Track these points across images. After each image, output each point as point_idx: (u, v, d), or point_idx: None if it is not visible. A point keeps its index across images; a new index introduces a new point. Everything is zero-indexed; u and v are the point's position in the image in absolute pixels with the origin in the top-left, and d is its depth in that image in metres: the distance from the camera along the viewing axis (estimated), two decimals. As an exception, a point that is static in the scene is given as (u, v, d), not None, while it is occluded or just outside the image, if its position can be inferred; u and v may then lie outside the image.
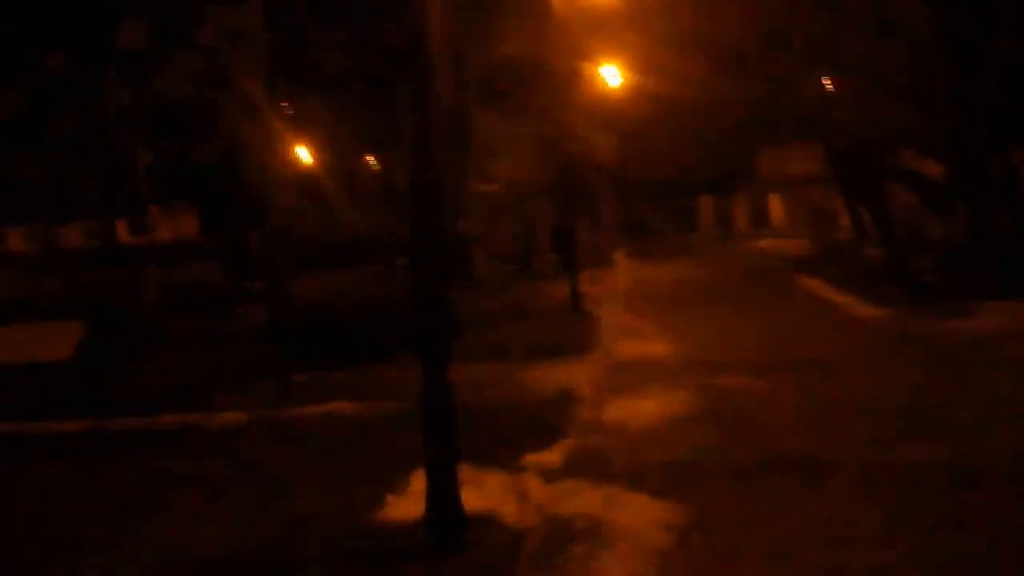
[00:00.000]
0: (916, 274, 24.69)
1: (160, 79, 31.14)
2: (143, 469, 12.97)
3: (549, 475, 10.59)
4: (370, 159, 43.84)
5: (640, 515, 9.16)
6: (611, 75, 39.34)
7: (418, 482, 9.43)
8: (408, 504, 9.75)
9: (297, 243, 40.55)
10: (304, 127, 39.69)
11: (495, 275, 38.02)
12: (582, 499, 9.69)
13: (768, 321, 21.96)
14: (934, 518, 8.69)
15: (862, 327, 20.29)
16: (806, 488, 9.69)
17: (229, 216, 45.43)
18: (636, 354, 18.77)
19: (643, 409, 13.54)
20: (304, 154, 44.07)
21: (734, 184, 54.21)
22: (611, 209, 50.99)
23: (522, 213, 41.83)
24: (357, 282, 30.69)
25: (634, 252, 45.15)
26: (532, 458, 11.34)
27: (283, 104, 33.06)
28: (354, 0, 28.85)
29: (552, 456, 11.42)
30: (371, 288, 27.37)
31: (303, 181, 44.72)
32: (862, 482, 9.72)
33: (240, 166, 27.33)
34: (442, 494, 8.80)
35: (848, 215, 37.04)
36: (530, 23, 32.27)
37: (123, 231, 59.72)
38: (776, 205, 52.77)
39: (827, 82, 38.18)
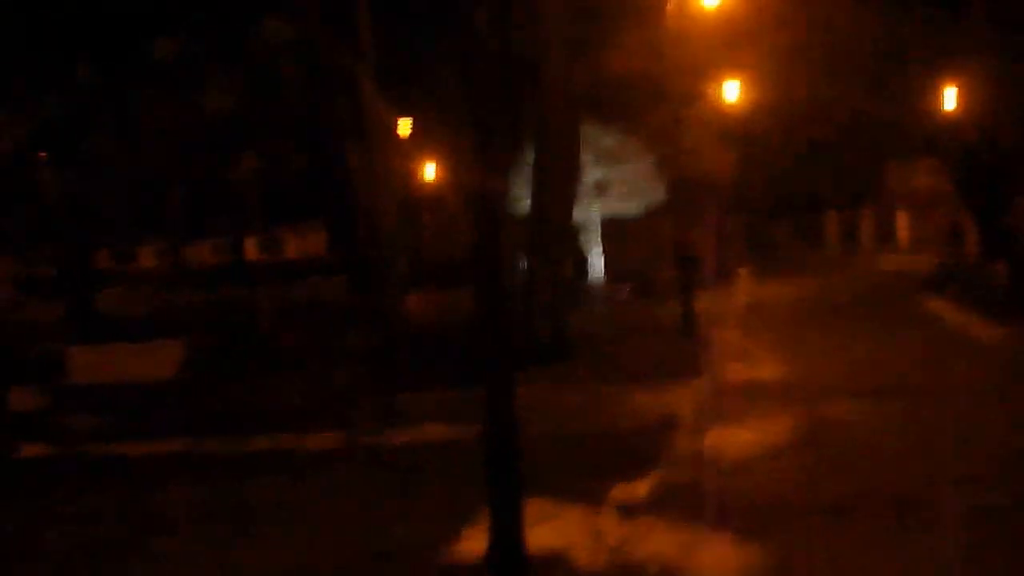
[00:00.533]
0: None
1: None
2: (224, 494, 12.69)
3: (631, 511, 10.05)
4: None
5: (720, 559, 8.58)
6: (730, 89, 38.77)
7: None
8: (481, 540, 9.29)
9: (421, 260, 40.69)
10: (427, 144, 39.75)
11: (614, 294, 37.47)
12: (661, 540, 9.14)
13: (884, 343, 21.14)
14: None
15: (983, 351, 19.36)
16: (902, 531, 8.99)
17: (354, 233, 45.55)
18: (743, 378, 18.10)
19: (741, 439, 12.90)
20: (428, 171, 44.15)
21: (861, 200, 52.87)
22: (735, 226, 50.01)
23: (644, 232, 41.15)
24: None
25: (757, 270, 44.16)
26: (617, 492, 10.81)
27: (402, 119, 33.02)
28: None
29: (638, 489, 10.87)
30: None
31: (426, 199, 44.81)
32: (964, 525, 8.99)
33: (356, 182, 27.21)
34: (504, 534, 8.29)
35: (977, 232, 35.77)
36: (645, 36, 31.61)
37: (253, 249, 60.50)
38: (903, 221, 51.28)
39: (949, 92, 37.06)
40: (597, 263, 40.23)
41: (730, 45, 36.57)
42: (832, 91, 38.58)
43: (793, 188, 49.72)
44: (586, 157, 39.05)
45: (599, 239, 40.43)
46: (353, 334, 25.37)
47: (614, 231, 40.95)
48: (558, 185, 23.61)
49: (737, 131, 41.43)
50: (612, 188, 40.09)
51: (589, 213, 39.82)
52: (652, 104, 38.00)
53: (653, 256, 41.31)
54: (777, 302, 31.61)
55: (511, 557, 8.28)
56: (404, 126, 36.20)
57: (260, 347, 24.65)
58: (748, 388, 17.09)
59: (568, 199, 24.21)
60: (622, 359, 21.84)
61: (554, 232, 23.58)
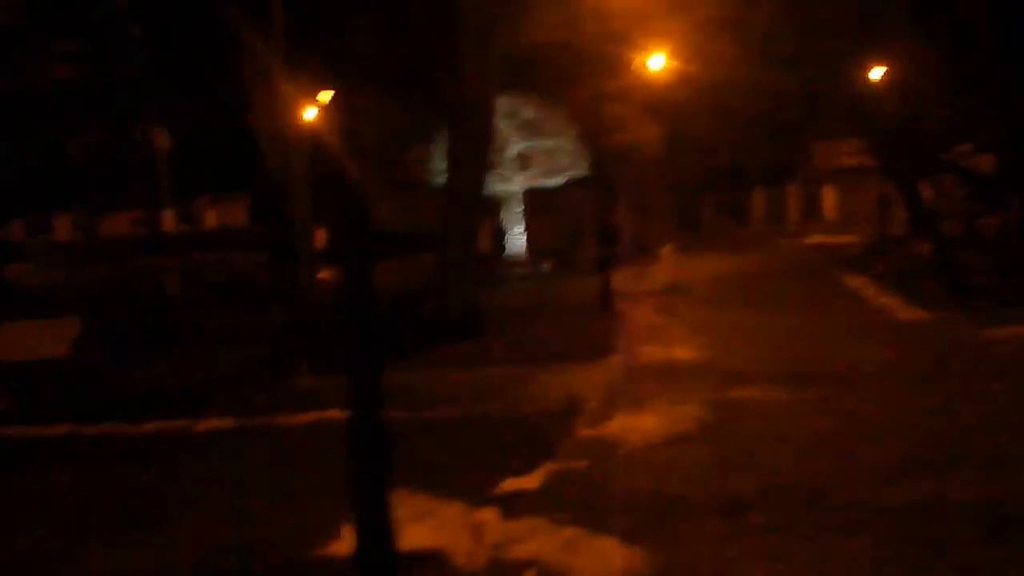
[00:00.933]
0: (966, 274, 23.13)
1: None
2: (91, 484, 11.82)
3: (516, 507, 9.27)
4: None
5: (603, 561, 7.85)
6: (654, 62, 38.09)
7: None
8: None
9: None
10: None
11: (535, 269, 36.76)
12: (544, 539, 8.36)
13: (804, 324, 20.54)
14: (950, 568, 7.32)
15: (904, 332, 18.81)
16: (803, 530, 8.29)
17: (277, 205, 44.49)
18: (657, 359, 17.39)
19: (645, 426, 12.15)
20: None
21: (787, 176, 52.53)
22: (660, 202, 49.45)
23: (567, 206, 40.45)
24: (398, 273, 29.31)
25: (683, 247, 43.61)
26: (506, 485, 10.06)
27: (324, 91, 31.89)
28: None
29: (528, 483, 10.12)
30: (412, 280, 26.13)
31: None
32: (874, 523, 8.31)
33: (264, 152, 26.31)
34: (372, 532, 7.47)
35: (904, 209, 35.44)
36: (566, 4, 30.80)
37: (171, 221, 58.84)
38: (830, 198, 51.05)
39: (874, 71, 36.69)
40: (518, 238, 39.45)
41: (654, 16, 35.87)
42: (758, 66, 38.09)
43: (720, 164, 49.13)
44: (507, 129, 38.52)
45: (521, 213, 39.64)
46: (270, 310, 24.51)
47: (536, 205, 40.22)
48: (469, 158, 22.77)
49: (663, 105, 40.77)
50: (534, 161, 39.38)
51: (510, 186, 39.08)
52: (575, 76, 37.35)
53: (576, 231, 40.68)
54: (699, 279, 31.00)
55: (380, 557, 7.47)
56: (324, 96, 35.04)
57: (163, 323, 23.71)
58: (659, 369, 16.39)
59: (479, 172, 23.37)
60: (534, 337, 21.16)
61: (465, 206, 22.76)
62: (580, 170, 39.06)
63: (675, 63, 38.92)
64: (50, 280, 37.23)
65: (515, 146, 38.42)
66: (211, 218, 62.04)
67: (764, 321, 21.37)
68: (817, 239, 42.59)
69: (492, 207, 40.25)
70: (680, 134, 44.00)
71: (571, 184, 38.97)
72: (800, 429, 11.63)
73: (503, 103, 38.09)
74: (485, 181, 24.14)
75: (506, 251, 39.39)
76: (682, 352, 17.95)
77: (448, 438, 12.64)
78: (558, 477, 10.26)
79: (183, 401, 16.32)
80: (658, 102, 40.66)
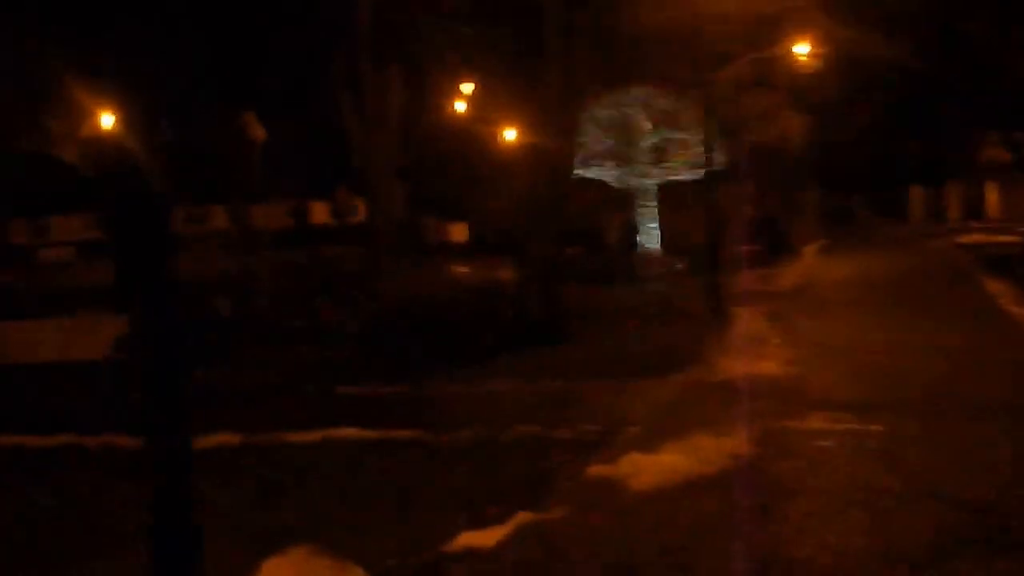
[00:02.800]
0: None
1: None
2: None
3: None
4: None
5: None
6: (800, 49, 35.34)
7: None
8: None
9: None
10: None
11: (668, 267, 34.30)
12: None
13: (919, 336, 17.87)
14: None
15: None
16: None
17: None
18: (736, 375, 15.01)
19: (667, 465, 9.87)
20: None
21: (946, 171, 48.87)
22: (809, 198, 46.50)
23: (702, 201, 37.87)
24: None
25: (829, 245, 40.65)
26: (458, 540, 7.98)
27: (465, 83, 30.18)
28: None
29: (487, 538, 8.00)
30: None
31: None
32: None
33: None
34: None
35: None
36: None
37: (323, 213, 57.69)
38: (992, 195, 47.37)
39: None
40: (652, 233, 37.07)
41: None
42: (919, 57, 35.07)
43: (876, 160, 45.90)
44: (641, 121, 36.21)
45: (655, 208, 37.24)
46: (337, 311, 22.87)
47: (672, 200, 37.72)
48: (550, 156, 20.75)
49: (809, 95, 37.96)
50: (670, 154, 36.89)
51: (645, 180, 36.75)
52: (714, 63, 34.85)
53: (713, 227, 38.10)
54: (829, 281, 28.32)
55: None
56: (465, 89, 33.89)
57: (226, 324, 22.14)
58: (732, 388, 14.03)
59: (563, 170, 21.37)
60: (618, 345, 19.12)
61: (547, 202, 20.72)
62: (719, 164, 36.38)
63: (822, 50, 36.13)
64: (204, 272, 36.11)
65: (650, 138, 36.00)
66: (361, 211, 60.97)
67: (875, 331, 18.79)
68: (974, 238, 39.18)
69: (625, 201, 38.05)
70: (829, 127, 41.01)
71: (709, 178, 36.32)
72: (853, 479, 9.21)
73: (637, 93, 35.92)
74: (569, 174, 22.05)
75: (638, 247, 37.05)
76: (769, 367, 15.57)
77: (441, 469, 10.73)
78: (525, 533, 8.12)
79: (207, 414, 14.62)
80: (804, 92, 37.87)
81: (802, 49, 36.37)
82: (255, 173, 28.94)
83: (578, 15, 21.23)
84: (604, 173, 36.99)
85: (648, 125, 35.88)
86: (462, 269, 28.87)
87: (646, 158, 36.18)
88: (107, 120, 34.55)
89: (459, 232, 38.76)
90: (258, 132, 27.75)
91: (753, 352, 17.08)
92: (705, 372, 15.43)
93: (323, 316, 22.79)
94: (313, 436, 12.78)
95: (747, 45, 32.24)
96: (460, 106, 36.10)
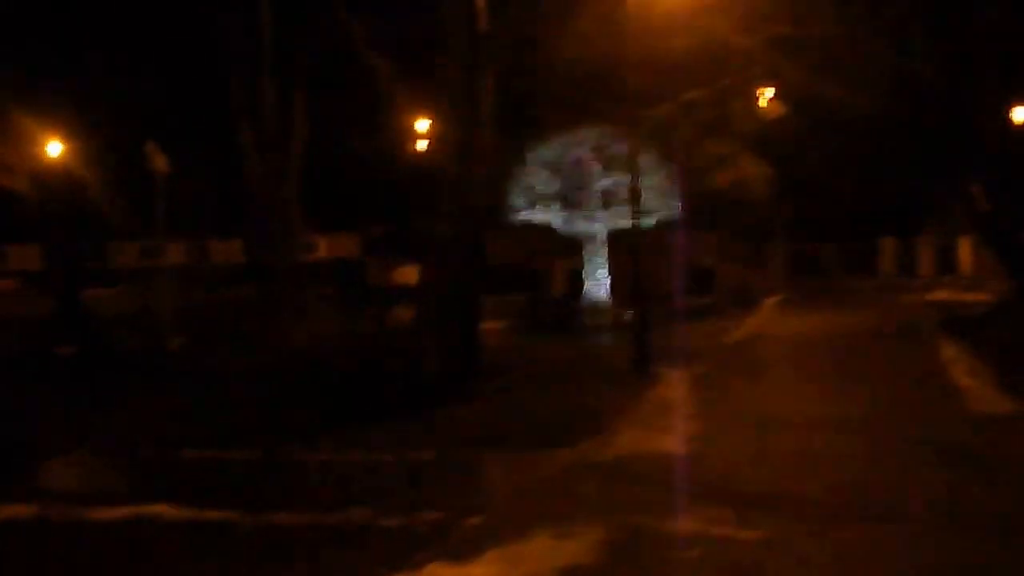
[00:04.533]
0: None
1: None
2: None
3: None
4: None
5: None
6: (765, 94, 33.75)
7: None
8: None
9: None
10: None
11: (616, 317, 32.26)
12: None
13: (854, 409, 15.90)
14: None
15: (975, 433, 14.05)
16: None
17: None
18: (628, 451, 13.18)
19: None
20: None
21: (920, 223, 46.99)
22: (772, 249, 44.70)
23: (657, 249, 35.98)
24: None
25: (791, 298, 38.75)
26: None
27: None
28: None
29: None
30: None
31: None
32: None
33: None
34: None
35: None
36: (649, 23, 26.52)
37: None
38: (966, 249, 45.58)
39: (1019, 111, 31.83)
40: (601, 281, 35.09)
41: (764, 43, 31.35)
42: (891, 106, 33.30)
43: (847, 212, 44.08)
44: (592, 164, 34.38)
45: (604, 255, 35.27)
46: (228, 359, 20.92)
47: (623, 247, 35.76)
48: (455, 185, 18.88)
49: (771, 141, 36.24)
50: (621, 199, 34.91)
51: (594, 226, 34.81)
52: (673, 108, 33.15)
53: (666, 276, 36.25)
54: (782, 339, 26.42)
55: None
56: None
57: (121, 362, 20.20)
58: (617, 469, 12.20)
59: (476, 204, 19.50)
60: (527, 407, 17.10)
61: (455, 236, 18.83)
62: (672, 211, 34.54)
63: (792, 98, 34.48)
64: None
65: (600, 182, 34.03)
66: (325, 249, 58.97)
67: (807, 400, 16.84)
68: (942, 295, 37.35)
69: (571, 247, 36.17)
70: (794, 174, 39.24)
71: (662, 225, 34.46)
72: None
73: (589, 135, 34.12)
74: (480, 216, 20.17)
75: (585, 295, 35.07)
76: (671, 442, 13.64)
77: (230, 563, 8.75)
78: None
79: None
80: (766, 138, 36.15)
81: (765, 94, 34.82)
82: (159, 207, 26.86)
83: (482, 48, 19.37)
84: (551, 216, 35.07)
85: (598, 168, 33.94)
86: (399, 312, 27.04)
87: (596, 202, 34.22)
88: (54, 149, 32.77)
89: (411, 274, 36.86)
90: (160, 164, 25.77)
91: (662, 423, 15.18)
92: (598, 446, 13.50)
93: (208, 363, 20.81)
94: (120, 512, 10.81)
95: (697, 86, 30.61)
96: (421, 144, 34.38)
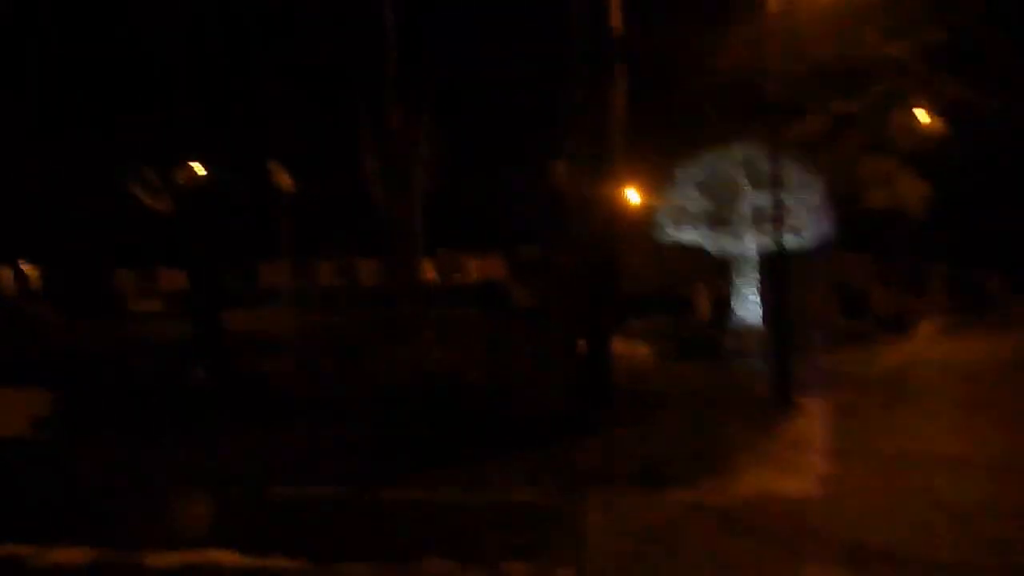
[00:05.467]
0: None
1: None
2: None
3: None
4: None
5: None
6: (921, 113, 31.87)
7: None
8: None
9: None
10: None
11: (759, 344, 30.65)
12: None
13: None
14: None
15: None
16: None
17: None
18: (750, 496, 11.78)
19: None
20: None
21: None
22: (937, 271, 42.39)
23: (813, 271, 34.22)
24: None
25: (950, 323, 36.51)
26: None
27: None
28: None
29: None
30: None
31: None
32: None
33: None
34: None
35: None
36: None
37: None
38: None
39: None
40: (753, 306, 33.50)
41: (916, 51, 29.56)
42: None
43: (1007, 231, 41.59)
44: (741, 181, 32.87)
45: (756, 277, 33.68)
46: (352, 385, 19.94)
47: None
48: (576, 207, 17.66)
49: (931, 159, 34.20)
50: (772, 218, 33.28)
51: (742, 246, 33.26)
52: (821, 121, 31.51)
53: (822, 300, 34.52)
54: (939, 369, 24.53)
55: None
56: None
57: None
58: (733, 520, 10.82)
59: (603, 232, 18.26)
60: (651, 440, 15.79)
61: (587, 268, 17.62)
62: (825, 231, 32.82)
63: (943, 108, 32.49)
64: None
65: (749, 200, 32.45)
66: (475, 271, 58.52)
67: (958, 439, 15.16)
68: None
69: (721, 268, 34.65)
70: (954, 194, 37.07)
71: (814, 246, 32.77)
72: None
73: (738, 152, 32.60)
74: (610, 238, 18.86)
75: (734, 319, 33.54)
76: (797, 485, 12.22)
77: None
78: None
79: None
80: (925, 155, 34.14)
81: (923, 113, 32.93)
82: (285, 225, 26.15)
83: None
84: (699, 237, 33.65)
85: (748, 186, 32.39)
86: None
87: (746, 222, 32.67)
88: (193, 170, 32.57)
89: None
90: (284, 181, 25.00)
91: (793, 460, 13.74)
92: (715, 488, 12.15)
93: (333, 390, 19.87)
94: (177, 558, 9.88)
95: (847, 98, 28.91)
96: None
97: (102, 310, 44.49)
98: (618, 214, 20.98)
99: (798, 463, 13.46)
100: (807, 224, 32.40)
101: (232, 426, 17.31)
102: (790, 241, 32.48)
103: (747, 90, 26.57)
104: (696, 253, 34.30)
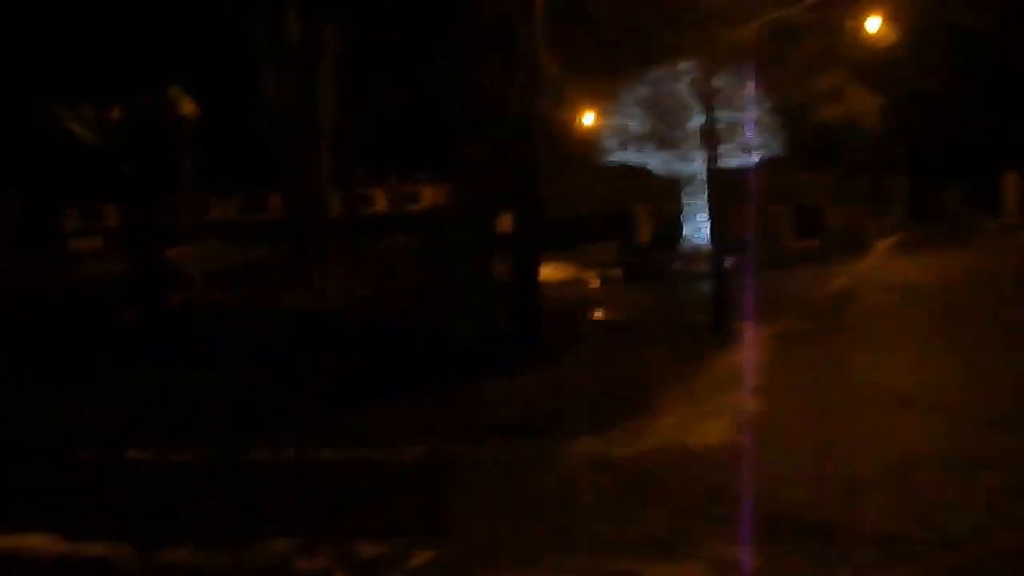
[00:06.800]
0: None
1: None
2: None
3: None
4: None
5: None
6: (873, 23, 30.12)
7: None
8: None
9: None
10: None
11: (697, 268, 29.11)
12: None
13: (960, 376, 12.73)
14: None
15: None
16: None
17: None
18: (661, 445, 10.21)
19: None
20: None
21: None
22: (896, 187, 40.80)
23: (763, 191, 32.51)
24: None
25: (906, 241, 34.91)
26: None
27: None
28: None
29: None
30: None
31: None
32: None
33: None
34: None
35: None
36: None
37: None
38: (1100, 187, 41.18)
39: None
40: (702, 227, 31.89)
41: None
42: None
43: (966, 144, 39.78)
44: (689, 100, 31.11)
45: (705, 198, 31.95)
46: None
47: (724, 189, 32.34)
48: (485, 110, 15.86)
49: (884, 72, 32.46)
50: (720, 137, 31.53)
51: (690, 166, 31.60)
52: (781, 41, 29.65)
53: (773, 219, 32.96)
54: (889, 287, 22.91)
55: None
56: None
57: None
58: (634, 474, 9.26)
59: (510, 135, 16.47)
60: (572, 376, 14.33)
61: (480, 181, 15.85)
62: (775, 148, 31.18)
63: (898, 18, 30.77)
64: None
65: (697, 119, 30.65)
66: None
67: (900, 367, 13.62)
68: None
69: (668, 189, 33.04)
70: (911, 107, 35.36)
71: (767, 164, 31.12)
72: None
73: (685, 69, 30.80)
74: (527, 151, 17.10)
75: (684, 242, 31.98)
76: (718, 430, 10.63)
77: None
78: None
79: None
80: (878, 68, 32.39)
81: (875, 23, 31.23)
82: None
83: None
84: (646, 158, 31.97)
85: (695, 104, 30.58)
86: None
87: (692, 142, 30.96)
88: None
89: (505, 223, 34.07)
90: (188, 107, 22.87)
91: (718, 399, 12.17)
92: (628, 435, 10.60)
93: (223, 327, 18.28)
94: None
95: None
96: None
97: (42, 248, 42.54)
98: (544, 128, 19.28)
99: (723, 403, 11.89)
100: (759, 142, 30.78)
101: (142, 370, 15.77)
102: (741, 160, 31.03)
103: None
104: (644, 174, 32.66)
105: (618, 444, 10.26)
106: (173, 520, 8.66)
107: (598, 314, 21.08)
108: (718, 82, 30.55)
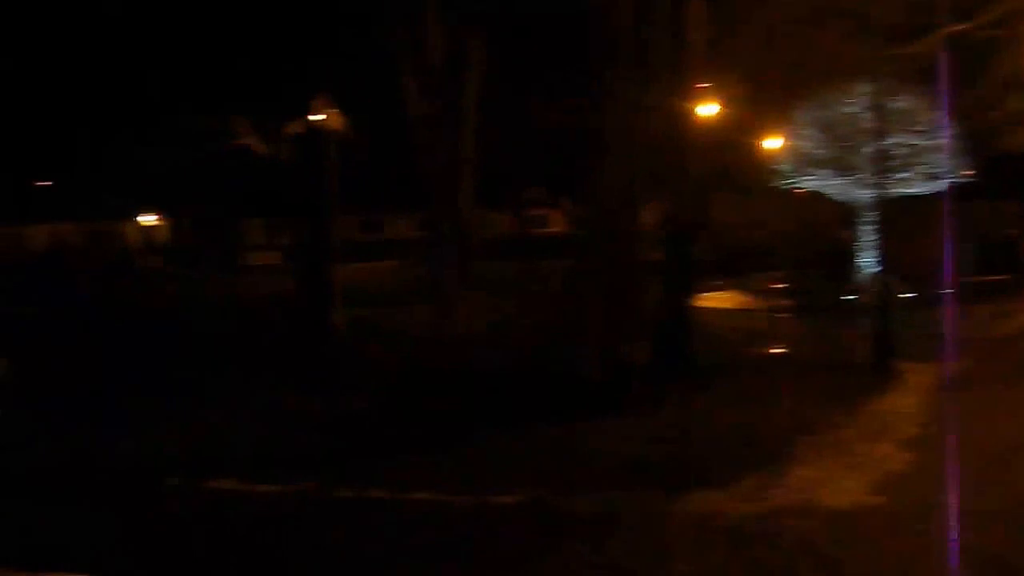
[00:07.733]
0: None
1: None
2: None
3: None
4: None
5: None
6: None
7: None
8: None
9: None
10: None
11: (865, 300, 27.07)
12: None
13: None
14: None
15: None
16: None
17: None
18: (796, 501, 8.90)
19: None
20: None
21: None
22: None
23: (938, 220, 30.25)
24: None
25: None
26: None
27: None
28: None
29: None
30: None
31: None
32: None
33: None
34: None
35: None
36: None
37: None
38: None
39: None
40: (877, 256, 29.83)
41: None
42: None
43: None
44: (866, 122, 29.19)
45: (874, 226, 29.94)
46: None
47: (899, 217, 30.25)
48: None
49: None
50: (897, 162, 29.52)
51: (863, 192, 29.57)
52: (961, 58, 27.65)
53: (955, 251, 30.62)
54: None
55: None
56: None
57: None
58: (770, 531, 7.97)
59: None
60: (711, 415, 12.98)
61: (616, 208, 14.61)
62: (959, 176, 28.97)
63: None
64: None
65: (873, 143, 28.70)
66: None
67: None
68: None
69: (843, 216, 31.12)
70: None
71: (951, 193, 28.92)
72: None
73: (863, 91, 28.93)
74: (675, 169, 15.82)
75: (857, 272, 30.00)
76: (854, 489, 9.20)
77: None
78: None
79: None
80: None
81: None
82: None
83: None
84: (824, 183, 30.15)
85: (873, 127, 28.65)
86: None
87: (865, 166, 28.96)
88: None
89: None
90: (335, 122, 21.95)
91: (863, 451, 10.71)
92: (754, 490, 9.26)
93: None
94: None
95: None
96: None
97: (220, 263, 42.89)
98: (699, 149, 18.01)
99: (868, 455, 10.41)
100: (944, 168, 28.68)
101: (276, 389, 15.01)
102: (925, 186, 28.98)
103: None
104: (820, 200, 30.89)
105: (739, 499, 8.98)
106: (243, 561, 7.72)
107: (758, 346, 19.65)
108: (900, 104, 28.82)
